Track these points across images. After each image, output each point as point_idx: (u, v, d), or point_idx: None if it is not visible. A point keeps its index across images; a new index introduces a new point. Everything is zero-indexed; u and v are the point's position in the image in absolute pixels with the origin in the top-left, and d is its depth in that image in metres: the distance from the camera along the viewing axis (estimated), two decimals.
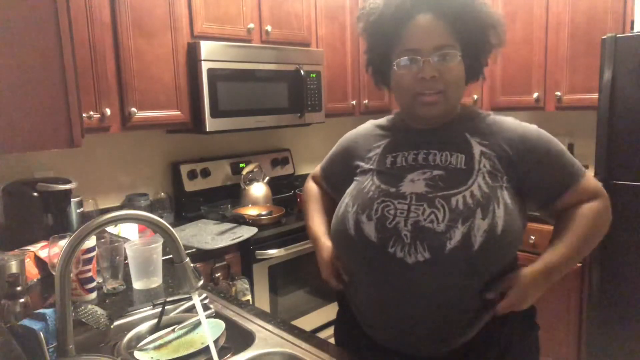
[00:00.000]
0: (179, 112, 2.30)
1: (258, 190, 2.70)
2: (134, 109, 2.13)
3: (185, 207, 2.63)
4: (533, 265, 1.04)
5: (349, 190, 1.16)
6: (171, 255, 1.07)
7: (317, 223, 1.31)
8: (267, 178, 2.80)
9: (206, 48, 2.28)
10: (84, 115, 1.81)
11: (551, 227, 2.47)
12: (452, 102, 1.09)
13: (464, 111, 1.16)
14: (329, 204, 1.32)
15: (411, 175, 1.07)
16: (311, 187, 1.41)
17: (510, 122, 1.12)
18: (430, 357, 1.07)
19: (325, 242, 1.23)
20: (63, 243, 1.49)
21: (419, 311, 1.02)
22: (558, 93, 2.66)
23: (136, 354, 1.14)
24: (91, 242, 1.51)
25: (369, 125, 1.28)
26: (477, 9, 1.06)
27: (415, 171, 1.08)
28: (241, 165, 2.84)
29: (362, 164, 1.18)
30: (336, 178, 1.28)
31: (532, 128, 1.11)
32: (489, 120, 1.13)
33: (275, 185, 2.89)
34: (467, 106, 1.18)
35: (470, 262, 0.97)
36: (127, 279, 1.60)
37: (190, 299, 1.37)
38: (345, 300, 1.23)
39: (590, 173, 1.12)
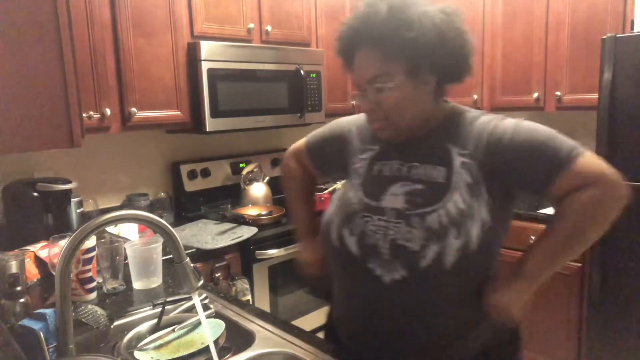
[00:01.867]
0: (179, 112, 2.30)
1: (258, 190, 2.70)
2: (134, 109, 2.13)
3: (185, 207, 2.63)
4: (513, 280, 1.05)
5: (335, 197, 1.19)
6: (171, 255, 1.07)
7: (299, 216, 1.41)
8: (267, 178, 2.80)
9: (206, 48, 2.28)
10: (84, 115, 1.81)
11: None
12: (402, 124, 1.07)
13: (450, 115, 1.12)
14: (310, 188, 1.43)
15: (393, 188, 1.08)
16: (291, 170, 1.42)
17: (489, 123, 1.07)
18: None
19: (306, 245, 1.36)
20: (63, 243, 1.49)
21: (396, 327, 1.06)
22: (558, 93, 2.66)
23: (136, 354, 1.14)
24: (91, 242, 1.51)
25: (363, 121, 1.23)
26: (404, 24, 0.99)
27: (398, 183, 1.09)
28: (241, 165, 2.84)
29: (354, 163, 1.19)
30: (325, 160, 1.32)
31: (509, 126, 1.04)
32: (471, 124, 1.09)
33: (275, 185, 2.88)
34: (454, 108, 1.14)
35: (443, 280, 1.00)
36: (127, 279, 1.60)
37: (190, 299, 1.37)
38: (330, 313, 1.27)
39: (590, 155, 1.00)
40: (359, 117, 1.26)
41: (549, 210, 2.53)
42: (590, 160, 1.00)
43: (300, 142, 1.39)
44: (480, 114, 1.12)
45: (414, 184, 1.07)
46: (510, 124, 1.05)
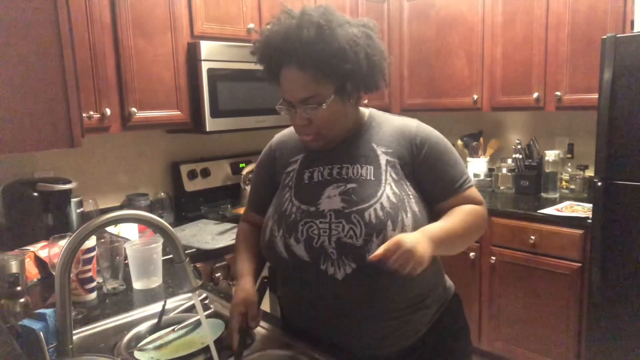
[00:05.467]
0: (179, 112, 2.30)
1: None
2: (134, 109, 2.13)
3: (185, 207, 2.63)
4: (414, 233, 1.06)
5: (270, 213, 1.21)
6: (171, 255, 1.07)
7: (241, 261, 1.28)
8: None
9: (206, 48, 2.28)
10: (84, 115, 1.81)
11: (550, 227, 2.48)
12: (331, 135, 1.16)
13: (371, 118, 1.23)
14: (258, 238, 1.31)
15: (327, 191, 1.14)
16: (240, 228, 1.38)
17: (412, 127, 1.19)
18: (376, 357, 1.15)
19: (243, 284, 1.19)
20: (63, 243, 1.49)
21: (353, 320, 1.12)
22: (558, 93, 2.66)
23: (136, 354, 1.14)
24: (91, 242, 1.51)
25: (286, 135, 1.33)
26: (335, 50, 1.04)
27: (331, 185, 1.14)
28: (241, 165, 2.84)
29: (283, 180, 1.23)
30: (264, 200, 1.27)
31: (432, 135, 1.18)
32: (393, 126, 1.20)
33: None
34: (373, 112, 1.25)
35: (388, 269, 1.04)
36: (127, 279, 1.60)
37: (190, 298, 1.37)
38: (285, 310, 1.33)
39: (475, 189, 1.22)
40: (282, 134, 1.34)
41: (549, 210, 2.53)
42: (475, 190, 1.21)
43: (243, 210, 1.43)
44: (399, 117, 1.24)
45: (347, 184, 1.13)
46: (429, 133, 1.19)
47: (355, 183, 1.13)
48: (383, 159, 1.15)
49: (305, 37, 1.04)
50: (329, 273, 1.08)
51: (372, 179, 1.13)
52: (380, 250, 0.99)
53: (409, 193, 1.12)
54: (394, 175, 1.13)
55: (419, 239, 1.01)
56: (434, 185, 1.16)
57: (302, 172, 1.20)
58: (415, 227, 1.08)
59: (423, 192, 1.16)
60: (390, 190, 1.11)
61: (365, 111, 1.25)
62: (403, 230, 1.07)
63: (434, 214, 1.17)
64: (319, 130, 1.13)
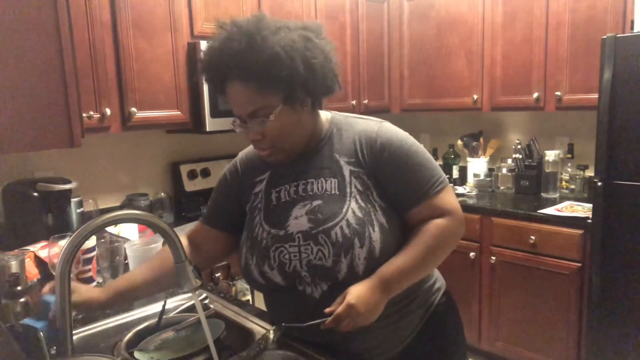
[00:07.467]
0: (179, 112, 2.30)
1: None
2: (134, 109, 2.13)
3: (185, 207, 2.63)
4: (368, 280, 1.04)
5: (243, 239, 1.19)
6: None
7: (125, 275, 1.22)
8: None
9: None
10: (84, 115, 1.81)
11: (550, 227, 2.48)
12: (289, 147, 1.11)
13: (331, 125, 1.17)
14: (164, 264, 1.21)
15: (295, 211, 1.11)
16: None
17: (372, 131, 1.13)
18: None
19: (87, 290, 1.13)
20: (63, 243, 1.49)
21: (338, 335, 1.07)
22: (558, 93, 2.66)
23: (136, 354, 1.13)
24: (91, 242, 1.51)
25: (251, 152, 1.27)
26: (268, 58, 0.99)
27: (298, 204, 1.11)
28: None
29: (252, 202, 1.19)
30: (228, 216, 1.26)
31: (394, 138, 1.11)
32: (354, 132, 1.14)
33: None
34: (334, 117, 1.19)
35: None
36: None
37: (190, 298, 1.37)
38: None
39: (448, 190, 1.13)
40: (247, 152, 1.29)
41: (549, 210, 2.53)
42: (447, 196, 1.12)
43: (193, 226, 1.34)
44: (363, 120, 1.17)
45: (313, 201, 1.10)
46: (391, 137, 1.11)
47: (320, 199, 1.09)
48: (347, 170, 1.10)
49: (237, 48, 1.00)
50: (307, 293, 1.09)
51: (337, 193, 1.09)
52: (332, 316, 1.00)
53: (375, 204, 1.08)
54: (359, 187, 1.09)
55: (367, 298, 1.01)
56: (398, 192, 1.10)
57: (269, 192, 1.16)
58: (384, 241, 1.06)
59: (390, 200, 1.10)
60: (356, 204, 1.07)
61: (328, 116, 1.19)
62: (371, 246, 1.04)
63: (405, 223, 1.12)
64: (273, 143, 1.08)
